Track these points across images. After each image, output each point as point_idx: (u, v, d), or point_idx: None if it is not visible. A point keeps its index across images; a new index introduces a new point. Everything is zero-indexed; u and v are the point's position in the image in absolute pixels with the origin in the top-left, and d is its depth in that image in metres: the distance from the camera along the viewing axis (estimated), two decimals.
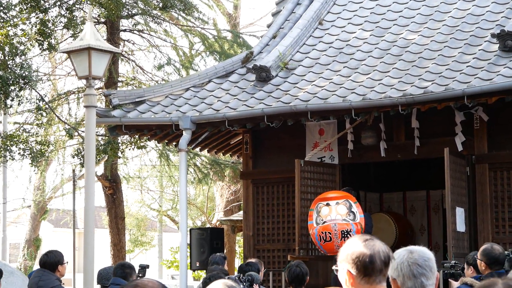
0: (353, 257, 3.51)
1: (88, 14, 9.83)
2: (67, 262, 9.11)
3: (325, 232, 11.62)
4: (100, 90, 18.04)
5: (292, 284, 8.58)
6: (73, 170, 22.23)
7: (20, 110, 18.63)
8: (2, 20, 14.91)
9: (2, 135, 16.32)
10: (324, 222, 11.65)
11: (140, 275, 9.67)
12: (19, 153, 15.65)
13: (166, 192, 32.87)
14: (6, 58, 14.89)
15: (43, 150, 16.15)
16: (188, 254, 14.59)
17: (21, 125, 19.34)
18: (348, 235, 11.34)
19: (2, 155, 15.66)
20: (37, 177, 26.42)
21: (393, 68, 12.41)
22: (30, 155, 15.65)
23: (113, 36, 18.63)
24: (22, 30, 15.51)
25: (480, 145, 12.25)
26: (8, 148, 15.40)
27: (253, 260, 9.76)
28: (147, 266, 9.83)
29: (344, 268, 3.53)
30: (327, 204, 11.75)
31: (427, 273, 3.83)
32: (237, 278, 8.86)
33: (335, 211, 11.64)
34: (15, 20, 15.29)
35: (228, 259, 22.94)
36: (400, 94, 11.40)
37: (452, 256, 10.95)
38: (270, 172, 13.88)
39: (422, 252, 3.89)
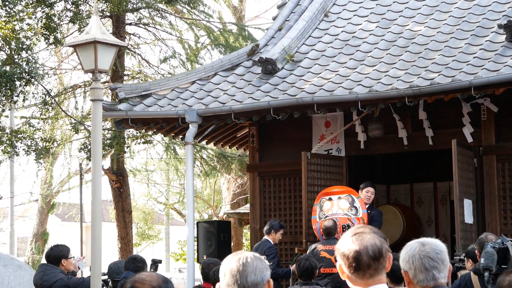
0: (341, 253, 3.50)
1: (93, 8, 9.81)
2: (73, 257, 9.09)
3: None
4: (106, 84, 18.04)
5: (301, 278, 8.62)
6: (80, 164, 22.26)
7: (27, 104, 18.65)
8: (8, 15, 14.92)
9: (7, 130, 16.34)
10: (326, 216, 11.65)
11: (152, 269, 9.67)
12: (23, 149, 15.68)
13: (172, 185, 32.89)
14: (13, 53, 14.91)
15: (47, 147, 16.16)
16: (195, 247, 14.59)
17: (28, 119, 19.36)
18: None
19: (7, 151, 15.69)
20: (44, 171, 26.46)
21: (399, 60, 12.38)
22: (35, 152, 15.66)
23: (118, 29, 18.63)
24: (28, 24, 15.53)
25: (487, 137, 12.21)
26: (13, 143, 15.42)
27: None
28: (160, 261, 9.83)
29: (338, 262, 3.55)
30: (329, 199, 11.75)
31: (439, 266, 3.81)
32: None
33: (337, 206, 11.63)
34: (21, 14, 15.30)
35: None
36: (406, 85, 11.37)
37: (461, 248, 10.92)
38: (276, 164, 13.86)
39: (434, 245, 3.86)
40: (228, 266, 3.43)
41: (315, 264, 8.73)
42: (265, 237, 11.74)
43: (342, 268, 3.50)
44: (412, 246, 3.86)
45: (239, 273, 3.40)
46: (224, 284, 3.40)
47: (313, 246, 11.08)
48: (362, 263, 3.44)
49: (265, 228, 11.87)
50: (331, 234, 10.95)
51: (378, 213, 12.07)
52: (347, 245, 3.49)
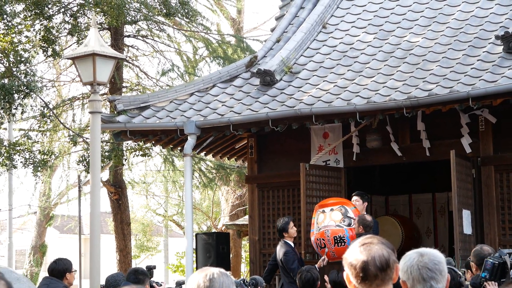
0: (348, 263, 3.55)
1: (92, 20, 9.84)
2: (75, 271, 9.10)
3: (320, 239, 11.63)
4: (105, 96, 18.06)
5: None
6: (79, 176, 22.24)
7: (25, 117, 18.67)
8: (6, 27, 14.95)
9: (5, 143, 16.33)
10: (320, 229, 11.67)
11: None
12: (21, 162, 15.67)
13: (171, 197, 32.86)
14: (11, 65, 14.93)
15: (45, 160, 16.16)
16: (194, 259, 14.57)
17: (26, 132, 19.35)
18: (342, 241, 11.36)
19: (5, 163, 15.68)
20: (43, 184, 26.44)
21: (397, 71, 12.40)
22: (33, 165, 15.65)
23: (117, 42, 18.66)
24: (26, 37, 15.55)
25: (485, 147, 12.23)
26: (11, 156, 15.41)
27: None
28: (154, 267, 9.85)
29: (345, 272, 3.57)
30: (323, 211, 11.75)
31: (437, 276, 3.82)
32: (241, 281, 8.91)
33: (329, 218, 11.62)
34: (20, 27, 15.33)
35: (234, 264, 22.92)
36: (404, 96, 11.39)
37: (460, 259, 10.93)
38: (275, 176, 13.87)
39: (433, 255, 3.87)
40: (195, 282, 3.46)
41: (316, 276, 8.76)
42: (283, 239, 11.53)
43: (349, 278, 3.53)
44: (410, 257, 3.88)
45: None
46: None
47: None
48: (369, 274, 3.48)
49: (278, 233, 11.68)
50: (370, 228, 10.87)
51: (374, 222, 12.06)
52: (354, 255, 3.53)
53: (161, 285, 9.19)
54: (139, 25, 19.47)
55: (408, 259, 3.87)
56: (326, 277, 9.64)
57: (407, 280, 3.83)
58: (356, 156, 13.11)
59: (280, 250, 11.44)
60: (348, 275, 3.54)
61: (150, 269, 9.77)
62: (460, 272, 6.55)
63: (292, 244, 11.56)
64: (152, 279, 9.74)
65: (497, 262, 6.75)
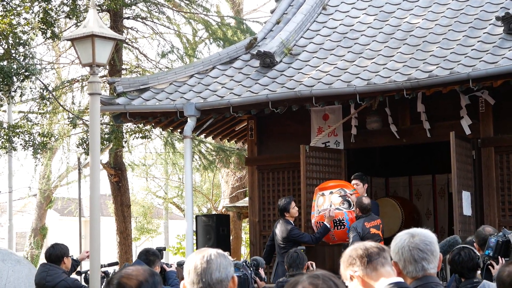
0: (347, 259, 3.66)
1: (91, 2, 9.79)
2: (72, 256, 9.15)
3: (320, 222, 11.63)
4: (104, 78, 18.02)
5: (290, 269, 8.74)
6: (78, 159, 22.23)
7: (25, 99, 18.65)
8: (5, 10, 14.89)
9: (5, 125, 16.31)
10: (319, 212, 11.67)
11: None
12: (21, 144, 15.66)
13: (171, 179, 32.88)
14: (10, 47, 14.88)
15: (45, 142, 16.14)
16: (194, 241, 14.59)
17: (26, 114, 19.33)
18: (341, 224, 11.36)
19: (5, 146, 15.67)
20: (43, 166, 26.45)
21: (397, 53, 12.37)
22: (32, 147, 15.64)
23: (116, 24, 18.60)
24: (25, 19, 15.49)
25: (485, 129, 12.22)
26: (11, 138, 15.39)
27: None
28: (164, 249, 9.89)
29: (348, 273, 3.63)
30: (322, 194, 11.75)
31: (428, 257, 3.83)
32: (244, 263, 8.97)
33: (328, 201, 11.62)
34: (18, 9, 15.27)
35: (234, 246, 22.96)
36: (404, 78, 11.36)
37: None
38: (275, 158, 13.86)
39: (424, 236, 3.88)
40: (192, 264, 3.46)
41: (303, 256, 8.85)
42: (283, 218, 11.56)
43: (355, 273, 3.57)
44: (401, 238, 3.89)
45: (203, 271, 3.42)
46: (189, 282, 3.44)
47: (356, 225, 10.90)
48: (372, 253, 3.59)
49: (279, 212, 11.76)
50: (368, 210, 10.97)
51: (373, 204, 12.06)
52: (355, 249, 3.66)
53: (171, 266, 9.23)
54: (138, 7, 19.40)
55: (399, 240, 3.87)
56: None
57: (399, 262, 3.85)
58: (356, 138, 13.10)
59: (283, 228, 11.42)
60: (357, 270, 3.58)
61: (160, 250, 9.82)
62: (478, 254, 6.56)
63: (293, 224, 11.60)
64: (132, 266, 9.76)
65: (501, 240, 6.78)
